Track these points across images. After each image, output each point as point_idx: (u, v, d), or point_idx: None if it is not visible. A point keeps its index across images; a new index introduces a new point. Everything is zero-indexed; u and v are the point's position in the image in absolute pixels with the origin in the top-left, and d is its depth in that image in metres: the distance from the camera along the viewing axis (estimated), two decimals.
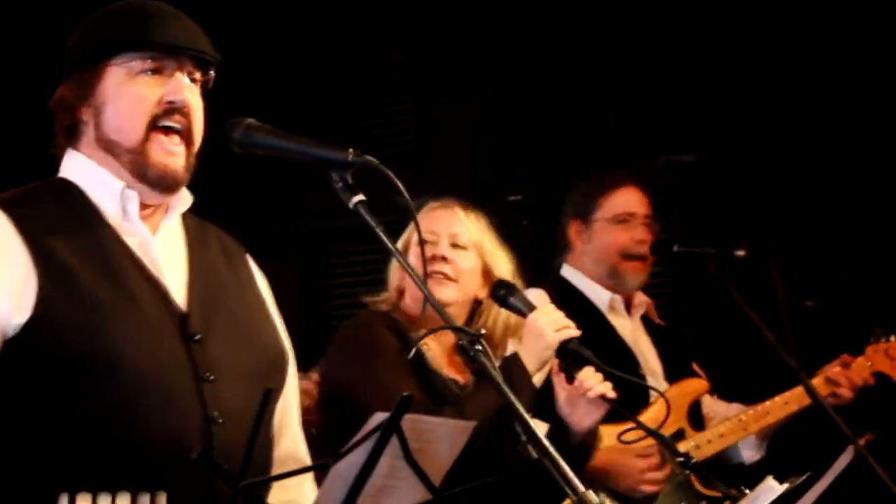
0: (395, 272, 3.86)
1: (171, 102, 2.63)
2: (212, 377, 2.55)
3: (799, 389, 4.46)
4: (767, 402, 4.55)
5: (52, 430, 2.44)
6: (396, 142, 6.22)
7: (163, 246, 2.68)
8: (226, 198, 5.88)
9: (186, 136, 2.66)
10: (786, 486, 2.85)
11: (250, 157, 2.73)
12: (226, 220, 2.89)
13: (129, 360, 2.47)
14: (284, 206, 6.29)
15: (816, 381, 4.50)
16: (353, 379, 3.58)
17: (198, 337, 2.58)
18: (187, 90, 2.65)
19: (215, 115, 2.75)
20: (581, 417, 3.66)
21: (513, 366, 3.63)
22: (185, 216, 2.77)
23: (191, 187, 2.75)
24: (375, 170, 2.64)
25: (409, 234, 3.78)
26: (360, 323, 3.75)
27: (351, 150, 2.65)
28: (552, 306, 3.74)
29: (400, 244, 3.71)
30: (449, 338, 3.74)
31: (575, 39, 6.04)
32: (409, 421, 2.16)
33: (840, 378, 4.53)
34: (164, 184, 2.65)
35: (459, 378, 3.74)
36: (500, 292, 3.80)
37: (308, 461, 2.81)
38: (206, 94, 2.75)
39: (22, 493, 2.41)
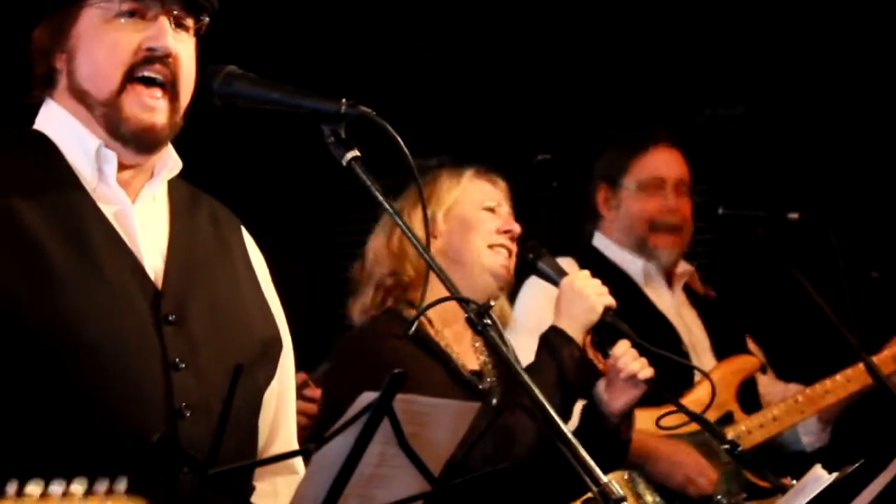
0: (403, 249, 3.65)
1: (150, 49, 2.56)
2: (183, 364, 2.50)
3: (861, 367, 4.41)
4: (826, 381, 4.50)
5: (4, 411, 2.40)
6: (417, 96, 6.17)
7: (143, 215, 2.61)
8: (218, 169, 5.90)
9: (170, 88, 2.59)
10: (834, 475, 2.80)
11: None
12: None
13: (90, 339, 2.42)
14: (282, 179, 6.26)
15: (881, 358, 4.45)
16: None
17: (171, 318, 2.52)
18: (171, 36, 2.58)
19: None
20: (616, 397, 3.59)
21: (555, 339, 3.54)
22: (174, 183, 2.70)
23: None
24: (372, 122, 2.60)
25: (459, 193, 3.68)
26: (365, 337, 3.58)
27: (344, 100, 2.61)
28: (586, 272, 3.68)
29: (440, 203, 3.64)
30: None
31: None
32: (403, 402, 2.11)
33: None
34: (140, 141, 2.59)
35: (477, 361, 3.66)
36: (529, 255, 3.72)
37: (303, 467, 2.70)
38: (202, 45, 2.69)
39: None
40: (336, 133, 2.62)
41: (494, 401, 3.54)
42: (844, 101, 5.67)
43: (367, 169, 2.65)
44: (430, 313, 3.55)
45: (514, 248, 3.69)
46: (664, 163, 4.61)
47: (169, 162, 2.67)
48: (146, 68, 2.57)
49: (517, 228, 3.69)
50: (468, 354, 3.64)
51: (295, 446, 2.78)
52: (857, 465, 2.86)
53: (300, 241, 6.23)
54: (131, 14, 2.58)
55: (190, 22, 2.63)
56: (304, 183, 5.99)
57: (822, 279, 4.28)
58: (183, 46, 2.61)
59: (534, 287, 4.24)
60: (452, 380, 3.49)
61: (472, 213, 3.66)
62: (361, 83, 6.02)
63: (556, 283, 3.68)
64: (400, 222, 2.67)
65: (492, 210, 3.68)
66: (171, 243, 2.62)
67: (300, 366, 4.12)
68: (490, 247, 3.64)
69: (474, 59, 6.18)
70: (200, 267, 2.63)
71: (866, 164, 5.65)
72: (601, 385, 3.61)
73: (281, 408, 2.76)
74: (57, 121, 2.62)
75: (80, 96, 2.60)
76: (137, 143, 2.59)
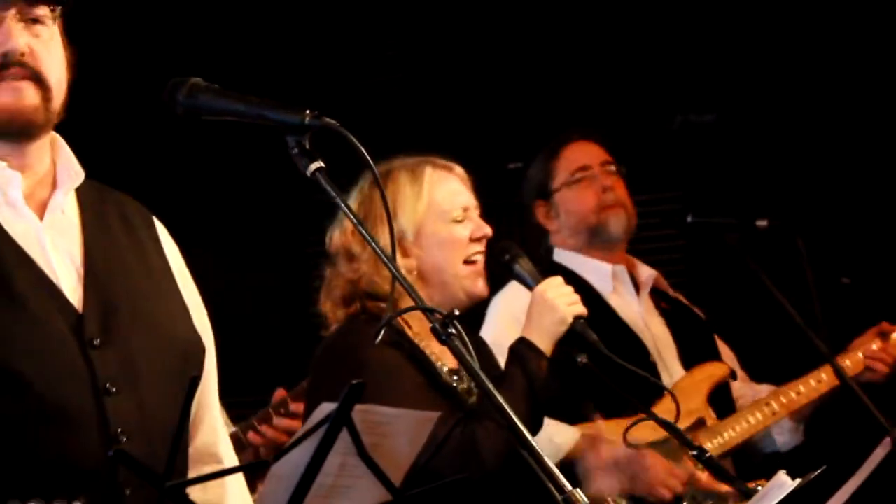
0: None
1: (1, 55, 2.52)
2: (114, 389, 2.47)
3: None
4: (797, 383, 4.51)
5: None
6: (385, 105, 6.15)
7: (53, 232, 2.56)
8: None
9: (35, 80, 2.54)
10: (798, 482, 2.81)
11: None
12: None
13: (14, 372, 2.38)
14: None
15: (850, 357, 4.47)
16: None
17: (96, 342, 2.49)
18: (18, 35, 2.53)
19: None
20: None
21: (524, 351, 3.54)
22: (79, 186, 2.65)
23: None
24: (336, 133, 2.60)
25: (425, 208, 3.62)
26: (345, 342, 3.52)
27: (307, 111, 2.61)
28: (560, 279, 3.68)
29: (408, 220, 3.60)
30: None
31: None
32: (361, 412, 2.12)
33: (876, 353, 4.50)
34: (15, 126, 2.53)
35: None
36: (505, 257, 3.71)
37: (228, 456, 2.75)
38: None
39: None
40: (300, 144, 2.61)
41: (472, 399, 3.53)
42: (814, 109, 5.69)
43: (333, 179, 2.65)
44: (407, 315, 3.52)
45: (484, 248, 3.66)
46: (583, 152, 4.65)
47: (71, 171, 2.62)
48: (3, 73, 2.53)
49: (488, 230, 3.67)
50: (447, 353, 3.62)
51: (221, 442, 2.76)
52: (819, 471, 2.87)
53: (273, 251, 6.23)
54: None
55: (41, 11, 2.58)
56: (276, 193, 5.99)
57: (792, 286, 4.30)
58: (38, 41, 2.56)
59: (499, 306, 4.26)
60: (431, 385, 3.47)
61: (443, 230, 3.61)
62: (329, 92, 6.01)
63: (530, 288, 3.68)
64: (366, 235, 2.67)
65: (460, 220, 3.65)
66: (87, 259, 2.57)
67: (277, 378, 4.13)
68: (466, 262, 3.62)
69: (444, 67, 6.18)
70: (119, 282, 2.58)
71: (836, 171, 5.66)
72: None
73: (203, 402, 2.72)
74: None
75: None
76: (13, 130, 2.53)
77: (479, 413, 3.36)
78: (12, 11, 2.55)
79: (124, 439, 2.44)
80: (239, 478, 2.75)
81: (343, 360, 3.46)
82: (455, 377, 3.57)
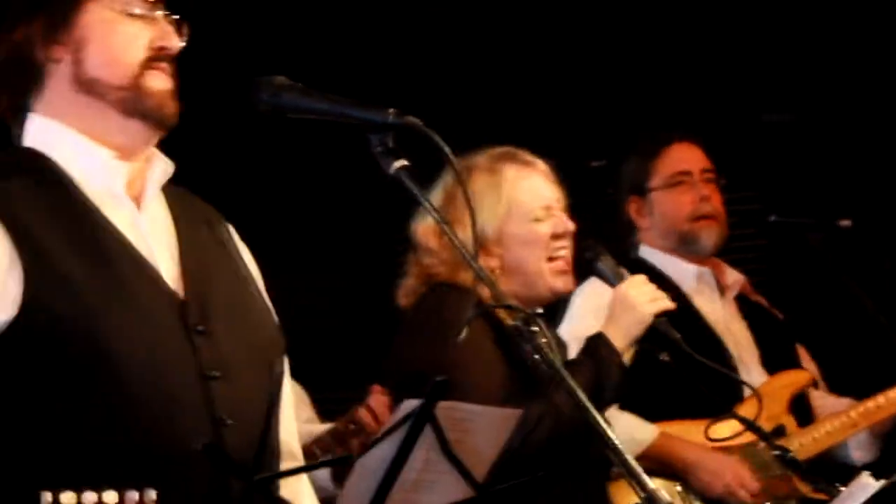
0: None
1: (162, 48, 2.59)
2: (217, 374, 2.50)
3: None
4: (880, 396, 4.47)
5: (43, 430, 2.40)
6: (464, 102, 6.15)
7: (149, 223, 2.61)
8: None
9: (173, 77, 2.62)
10: (882, 483, 2.80)
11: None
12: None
13: (126, 357, 2.42)
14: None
15: None
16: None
17: (200, 328, 2.53)
18: (174, 35, 2.62)
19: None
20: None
21: (599, 346, 3.53)
22: (164, 185, 2.69)
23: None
24: (419, 132, 2.61)
25: (506, 208, 3.61)
26: (434, 306, 3.53)
27: (391, 110, 2.62)
28: (643, 277, 3.67)
29: (489, 221, 3.60)
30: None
31: None
32: (445, 409, 2.14)
33: None
34: (161, 114, 2.59)
35: None
36: (587, 254, 3.71)
37: (300, 453, 2.76)
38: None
39: (9, 491, 2.38)
40: (384, 143, 2.62)
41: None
42: (891, 106, 5.64)
43: (416, 178, 2.66)
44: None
45: (570, 245, 3.66)
46: (685, 155, 4.60)
47: (162, 165, 2.66)
48: (156, 65, 2.60)
49: (570, 227, 3.65)
50: None
51: (295, 438, 2.78)
52: None
53: (358, 254, 6.26)
54: (140, 15, 2.60)
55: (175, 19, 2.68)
56: (362, 192, 6.01)
57: (875, 287, 4.27)
58: None
59: (581, 301, 4.25)
60: (511, 367, 3.45)
61: (524, 230, 3.61)
62: (402, 89, 6.01)
63: (612, 285, 3.69)
64: (450, 233, 2.68)
65: (542, 219, 3.64)
66: (182, 250, 2.62)
67: (364, 380, 4.15)
68: (549, 259, 3.62)
69: (526, 63, 6.17)
70: (212, 273, 2.64)
71: None
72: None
73: (282, 398, 2.73)
74: (53, 136, 2.60)
75: (89, 86, 2.58)
76: (157, 116, 2.59)
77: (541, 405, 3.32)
78: (161, 11, 2.64)
79: (230, 423, 2.47)
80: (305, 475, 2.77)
81: (435, 321, 3.47)
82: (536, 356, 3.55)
